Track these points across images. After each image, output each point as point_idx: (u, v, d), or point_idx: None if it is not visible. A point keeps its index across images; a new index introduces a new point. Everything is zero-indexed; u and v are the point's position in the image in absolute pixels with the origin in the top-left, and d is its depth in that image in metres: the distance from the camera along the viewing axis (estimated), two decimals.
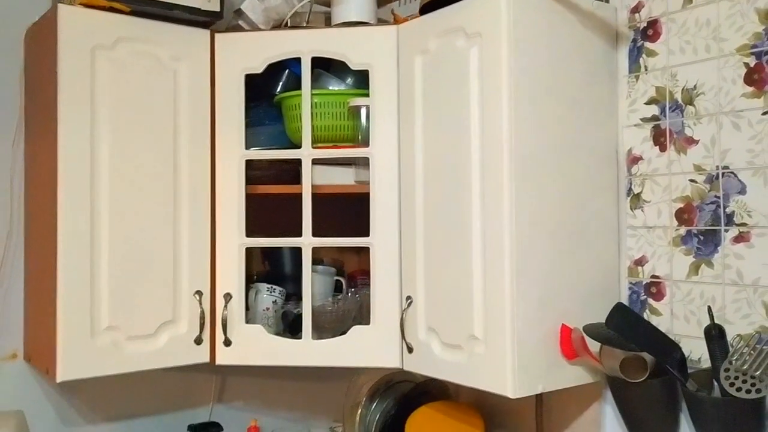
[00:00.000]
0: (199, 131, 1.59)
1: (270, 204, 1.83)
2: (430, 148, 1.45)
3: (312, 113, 1.59)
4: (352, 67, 1.57)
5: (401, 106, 1.53)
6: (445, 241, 1.41)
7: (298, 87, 1.63)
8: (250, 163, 1.62)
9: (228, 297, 1.58)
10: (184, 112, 1.57)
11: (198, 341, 1.56)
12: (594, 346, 1.32)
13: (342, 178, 1.65)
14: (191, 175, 1.58)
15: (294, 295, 1.84)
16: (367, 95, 1.58)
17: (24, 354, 1.64)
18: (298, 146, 1.66)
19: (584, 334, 1.31)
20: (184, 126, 1.57)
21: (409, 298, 1.49)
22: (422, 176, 1.47)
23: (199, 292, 1.57)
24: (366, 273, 2.10)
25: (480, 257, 1.33)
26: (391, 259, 1.53)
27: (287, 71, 1.70)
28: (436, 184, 1.44)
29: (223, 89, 1.60)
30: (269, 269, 1.94)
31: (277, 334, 1.66)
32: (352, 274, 2.00)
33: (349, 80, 1.68)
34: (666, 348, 1.25)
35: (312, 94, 1.59)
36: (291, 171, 1.74)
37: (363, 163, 1.61)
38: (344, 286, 1.84)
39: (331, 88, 1.66)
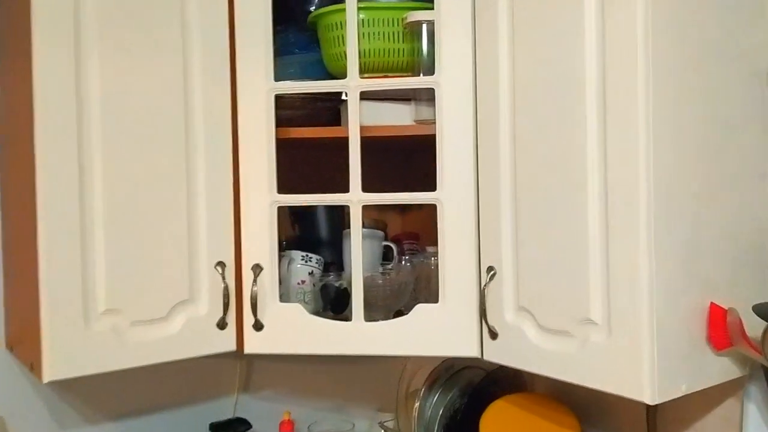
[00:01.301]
0: (215, 58, 1.24)
1: (303, 152, 1.49)
2: (521, 67, 1.10)
3: (359, 34, 1.24)
4: None
5: (478, 17, 1.17)
6: (545, 190, 1.06)
7: (338, 1, 1.29)
8: (279, 101, 1.28)
9: (257, 269, 1.25)
10: (196, 33, 1.22)
11: (221, 325, 1.24)
12: (750, 330, 1.00)
13: (397, 117, 1.30)
14: (207, 115, 1.23)
15: (333, 264, 1.52)
16: (431, 8, 1.22)
17: (5, 341, 1.33)
18: (338, 78, 1.32)
19: (741, 318, 0.98)
20: (195, 51, 1.22)
21: (491, 269, 1.16)
22: (509, 107, 1.12)
23: (221, 264, 1.24)
24: (412, 236, 1.77)
25: (599, 208, 0.99)
26: (467, 219, 1.20)
27: None
28: (530, 115, 1.09)
29: (243, 3, 1.25)
30: (300, 234, 1.61)
31: (316, 312, 1.34)
32: (396, 238, 1.67)
33: None
34: None
35: (358, 9, 1.23)
36: (330, 110, 1.40)
37: (425, 96, 1.26)
38: (395, 253, 1.51)
39: (381, 0, 1.30)
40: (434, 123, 1.22)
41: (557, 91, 1.04)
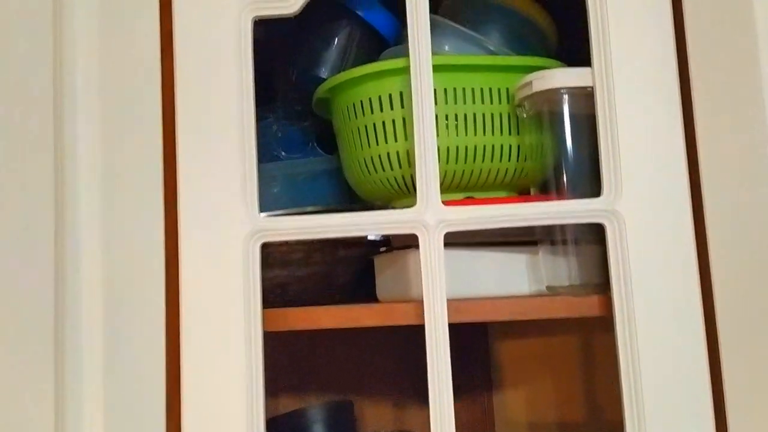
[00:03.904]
0: (128, 174, 0.58)
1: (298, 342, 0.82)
2: None
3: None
4: None
5: (694, 61, 0.57)
6: None
7: (368, 60, 0.67)
8: (266, 252, 0.62)
9: None
10: (82, 121, 0.57)
11: None
12: None
13: (502, 282, 0.65)
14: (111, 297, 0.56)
15: None
16: (558, 63, 0.63)
17: None
18: (373, 204, 0.69)
19: None
20: (83, 161, 0.56)
21: None
22: None
23: None
24: None
25: None
26: None
27: (347, 29, 0.70)
28: None
29: (193, 60, 0.60)
30: None
31: None
32: None
33: (496, 34, 0.70)
34: None
35: (436, 69, 0.61)
36: (352, 263, 0.74)
37: (572, 236, 0.63)
38: None
39: (448, 51, 0.68)
40: (598, 294, 0.59)
41: None
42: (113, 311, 0.57)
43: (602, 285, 0.60)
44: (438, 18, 0.67)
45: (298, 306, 0.65)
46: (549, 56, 0.68)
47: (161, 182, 0.58)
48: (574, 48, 0.71)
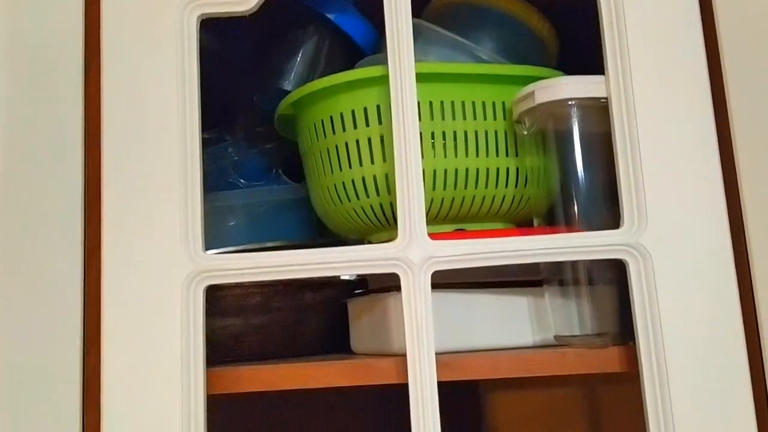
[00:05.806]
0: (38, 201, 0.47)
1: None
2: None
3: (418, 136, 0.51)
4: None
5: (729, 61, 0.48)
6: None
7: (338, 65, 0.57)
8: (218, 296, 0.51)
9: None
10: None
11: None
12: None
13: (499, 332, 0.55)
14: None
15: None
16: (557, 72, 0.54)
17: None
18: (346, 236, 0.59)
19: None
20: None
21: None
22: None
23: None
24: None
25: None
26: None
27: (315, 36, 0.60)
28: None
29: (124, 69, 0.50)
30: None
31: None
32: None
33: (488, 42, 0.60)
34: None
35: (420, 78, 0.51)
36: (317, 310, 0.63)
37: (584, 274, 0.52)
38: None
39: (433, 60, 0.58)
40: (618, 345, 0.49)
41: None
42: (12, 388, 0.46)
43: (623, 334, 0.50)
44: (421, 22, 0.58)
45: (255, 361, 0.54)
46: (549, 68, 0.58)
47: (81, 222, 0.47)
48: (578, 60, 0.62)
